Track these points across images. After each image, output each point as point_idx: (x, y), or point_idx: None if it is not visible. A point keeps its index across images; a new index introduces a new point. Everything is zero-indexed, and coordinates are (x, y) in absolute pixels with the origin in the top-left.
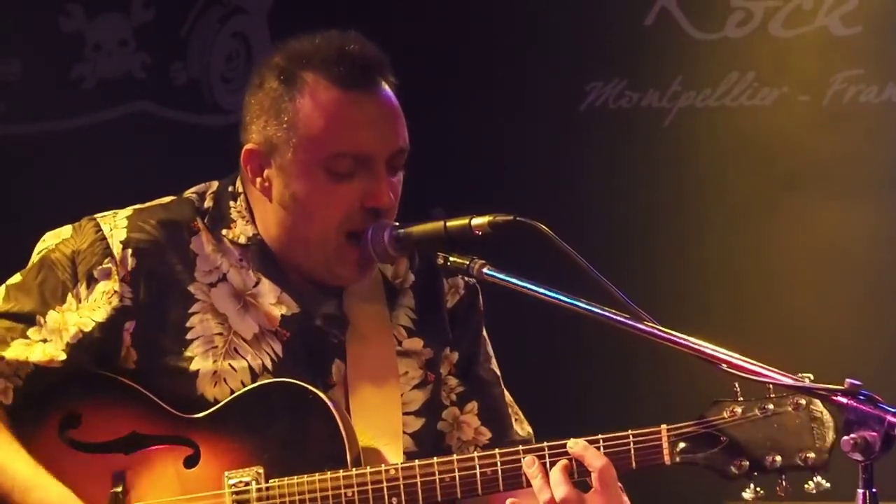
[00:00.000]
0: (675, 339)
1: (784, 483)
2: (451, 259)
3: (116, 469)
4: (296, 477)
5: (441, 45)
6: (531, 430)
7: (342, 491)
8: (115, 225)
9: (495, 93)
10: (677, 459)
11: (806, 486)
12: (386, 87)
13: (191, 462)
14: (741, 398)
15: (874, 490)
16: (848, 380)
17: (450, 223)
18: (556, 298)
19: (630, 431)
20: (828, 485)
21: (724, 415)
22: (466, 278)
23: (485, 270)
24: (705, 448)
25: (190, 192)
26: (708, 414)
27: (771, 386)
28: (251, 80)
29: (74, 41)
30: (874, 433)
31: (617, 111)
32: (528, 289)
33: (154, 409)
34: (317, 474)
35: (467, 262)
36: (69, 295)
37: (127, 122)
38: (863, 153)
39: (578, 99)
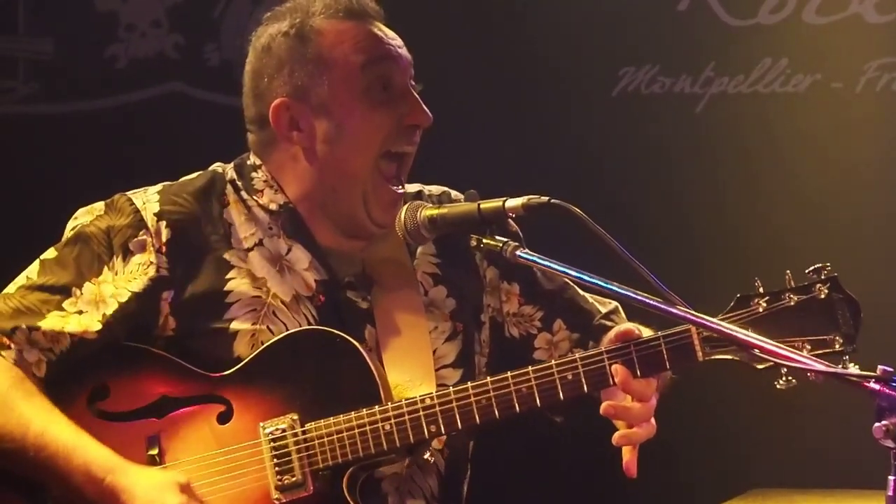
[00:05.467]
0: (708, 323)
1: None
2: (485, 241)
3: (150, 433)
4: (332, 418)
5: (474, 30)
6: (617, 304)
7: (379, 425)
8: (148, 199)
9: (529, 76)
10: (709, 355)
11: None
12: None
13: (224, 418)
14: (762, 290)
15: None
16: (880, 366)
17: (483, 205)
18: (590, 282)
19: (660, 333)
20: (856, 369)
21: (752, 308)
22: None
23: (518, 253)
24: (734, 342)
25: (214, 166)
26: (733, 310)
27: (791, 283)
28: (252, 49)
29: (108, 21)
30: None
31: (649, 96)
32: (562, 272)
33: (183, 373)
34: (352, 412)
35: (501, 245)
36: (105, 268)
37: (159, 102)
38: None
39: (611, 83)
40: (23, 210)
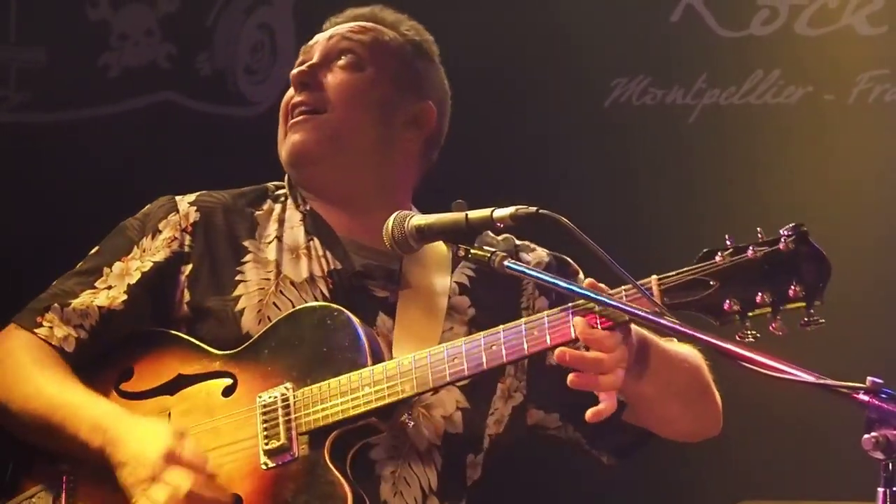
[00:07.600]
0: (693, 333)
1: (778, 320)
2: (473, 251)
3: (163, 409)
4: (319, 384)
5: (467, 40)
6: None
7: (360, 387)
8: (186, 196)
9: (520, 87)
10: (667, 304)
11: (800, 322)
12: (366, 22)
13: (228, 391)
14: (729, 244)
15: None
16: (870, 378)
17: (472, 215)
18: (577, 292)
19: (622, 287)
20: (822, 321)
21: (715, 261)
22: (551, 253)
23: (506, 263)
24: (697, 293)
25: (268, 184)
26: (697, 263)
27: (760, 236)
28: None
29: (100, 30)
30: None
31: (641, 108)
32: (549, 282)
33: (198, 352)
34: (338, 378)
35: (488, 255)
36: (135, 247)
37: (151, 112)
38: (888, 153)
39: (603, 95)
40: (16, 219)
